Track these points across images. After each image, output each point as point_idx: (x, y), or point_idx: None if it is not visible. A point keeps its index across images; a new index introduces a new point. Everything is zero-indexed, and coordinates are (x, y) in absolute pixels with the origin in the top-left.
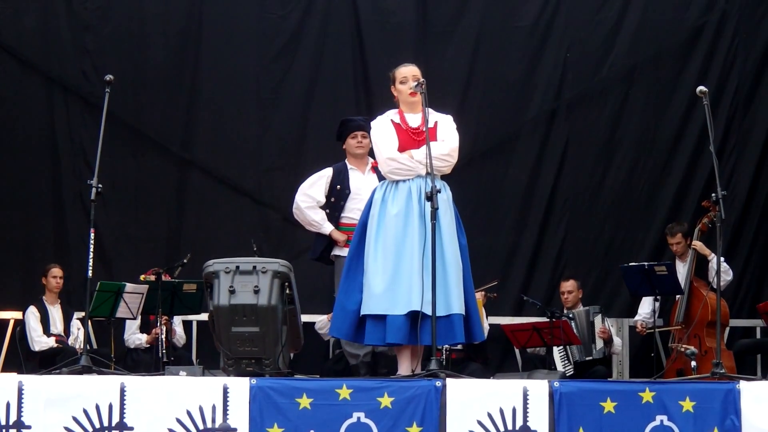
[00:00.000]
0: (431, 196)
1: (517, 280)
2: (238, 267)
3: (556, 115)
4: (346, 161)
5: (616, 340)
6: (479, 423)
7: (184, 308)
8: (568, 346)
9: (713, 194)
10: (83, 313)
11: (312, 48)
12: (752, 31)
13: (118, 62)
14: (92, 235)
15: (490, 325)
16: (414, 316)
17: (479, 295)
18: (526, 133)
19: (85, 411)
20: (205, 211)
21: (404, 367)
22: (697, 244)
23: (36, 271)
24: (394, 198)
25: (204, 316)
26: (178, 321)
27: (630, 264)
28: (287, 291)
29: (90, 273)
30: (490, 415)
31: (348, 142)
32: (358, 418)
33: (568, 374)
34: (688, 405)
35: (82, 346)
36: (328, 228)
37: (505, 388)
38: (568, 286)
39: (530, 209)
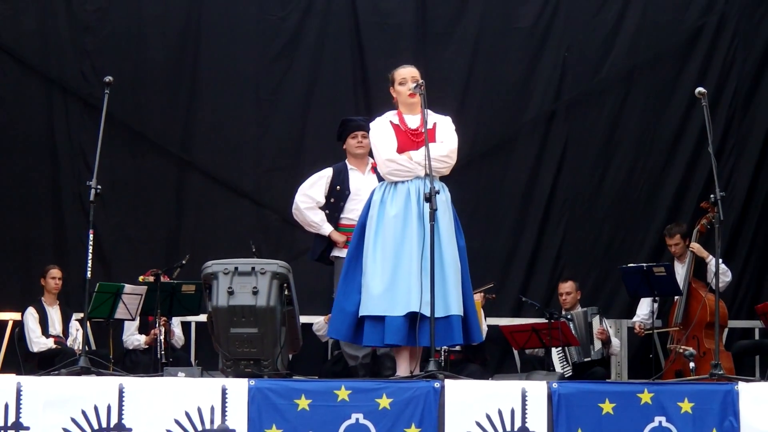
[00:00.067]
0: (430, 198)
1: (516, 281)
2: (236, 268)
3: (555, 116)
4: (346, 161)
5: (615, 341)
6: (478, 424)
7: (182, 309)
8: (566, 347)
9: (712, 195)
10: (82, 314)
11: (311, 49)
12: (751, 33)
13: (117, 63)
14: (91, 236)
15: (488, 326)
16: (413, 318)
17: (478, 297)
18: (525, 134)
19: (83, 412)
20: (204, 212)
21: (403, 369)
22: (695, 247)
23: (35, 272)
24: (393, 199)
25: (203, 317)
26: (176, 322)
27: (629, 265)
28: (286, 292)
29: (89, 274)
30: (488, 417)
31: (348, 142)
32: (357, 420)
33: (566, 375)
34: (686, 406)
35: (80, 347)
36: (327, 229)
37: (504, 389)
38: (567, 287)
39: (529, 210)
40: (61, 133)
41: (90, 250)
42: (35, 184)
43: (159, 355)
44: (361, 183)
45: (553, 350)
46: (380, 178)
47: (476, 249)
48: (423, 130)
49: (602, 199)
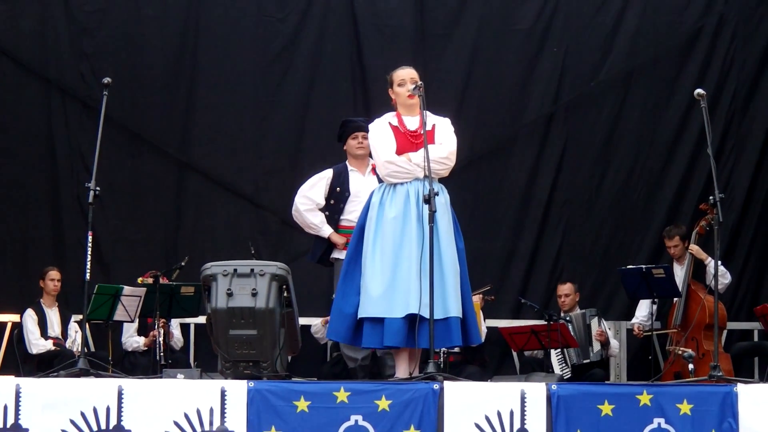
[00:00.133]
0: (429, 199)
1: (515, 283)
2: (235, 270)
3: (554, 118)
4: (346, 162)
5: (614, 343)
6: (477, 426)
7: (181, 311)
8: (565, 349)
9: (711, 197)
10: (81, 316)
11: (310, 51)
12: (750, 34)
13: (115, 65)
14: (90, 238)
15: (487, 327)
16: (412, 319)
17: (477, 298)
18: (524, 136)
19: (82, 414)
20: (203, 214)
21: (402, 370)
22: (694, 249)
23: (33, 273)
24: (392, 201)
25: (202, 319)
26: (175, 324)
27: (628, 267)
28: (285, 294)
29: (88, 276)
30: (487, 418)
31: (348, 143)
32: (356, 421)
33: (565, 377)
34: (685, 408)
35: (79, 349)
36: (327, 231)
37: (503, 391)
38: (565, 289)
39: (528, 212)
40: (60, 135)
41: (89, 252)
42: (34, 185)
43: (158, 357)
44: (361, 184)
45: (552, 352)
46: (380, 180)
47: (475, 251)
48: (422, 132)
49: (601, 200)
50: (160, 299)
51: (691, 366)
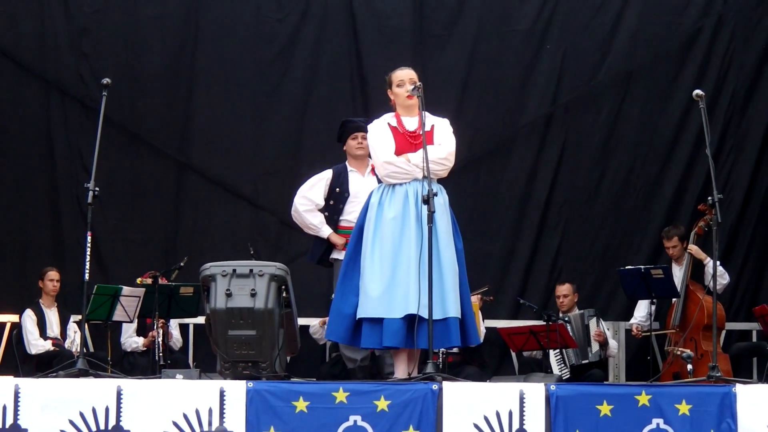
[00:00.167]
0: (428, 200)
1: (514, 284)
2: (234, 270)
3: (553, 118)
4: (346, 163)
5: (612, 343)
6: (476, 426)
7: (180, 311)
8: (564, 350)
9: (709, 198)
10: (80, 317)
11: (309, 51)
12: (749, 35)
13: (114, 65)
14: (89, 238)
15: (486, 328)
16: (411, 320)
17: (475, 299)
18: (523, 136)
19: (81, 414)
20: (202, 215)
21: (401, 371)
22: (693, 249)
23: (33, 274)
24: (391, 201)
25: (201, 320)
26: (174, 324)
27: (626, 267)
28: (284, 294)
29: (87, 276)
30: (486, 418)
31: (348, 143)
32: (355, 422)
33: (564, 377)
34: (684, 408)
35: (78, 350)
36: (326, 231)
37: (502, 391)
38: (564, 289)
39: (527, 213)
40: (59, 136)
41: (88, 252)
42: (33, 186)
43: (157, 357)
44: (360, 185)
45: (551, 352)
46: (380, 180)
47: (474, 251)
48: (421, 133)
49: (600, 201)
50: (159, 299)
51: (689, 366)
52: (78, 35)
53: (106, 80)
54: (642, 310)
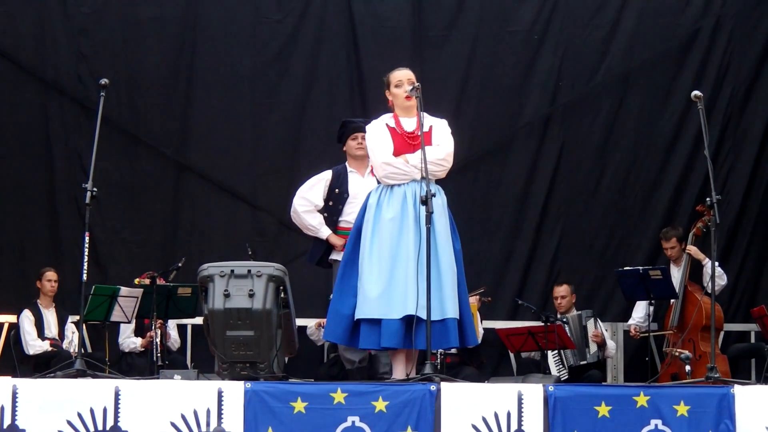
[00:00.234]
0: (426, 201)
1: (512, 284)
2: (233, 271)
3: (551, 120)
4: (346, 164)
5: (610, 344)
6: (474, 427)
7: (178, 312)
8: (562, 351)
9: (708, 199)
10: (78, 317)
11: (307, 53)
12: (747, 36)
13: (113, 66)
14: (87, 239)
15: (484, 329)
16: (409, 321)
17: (474, 300)
18: (521, 137)
19: (79, 415)
20: (200, 215)
21: (399, 371)
22: (692, 249)
23: (30, 274)
24: (389, 202)
25: (199, 320)
26: (172, 325)
27: (625, 268)
28: (282, 295)
29: (85, 277)
30: (484, 419)
31: (348, 144)
32: (353, 422)
33: (562, 378)
34: (682, 409)
35: (76, 350)
36: (325, 232)
37: (500, 392)
38: (561, 291)
39: (525, 214)
40: (57, 136)
41: (86, 253)
42: (31, 186)
43: (155, 358)
44: (360, 186)
45: (549, 353)
46: (379, 181)
47: (472, 252)
48: (419, 133)
49: (598, 202)
50: (157, 300)
51: (687, 367)
52: (76, 36)
53: (104, 81)
54: (640, 311)
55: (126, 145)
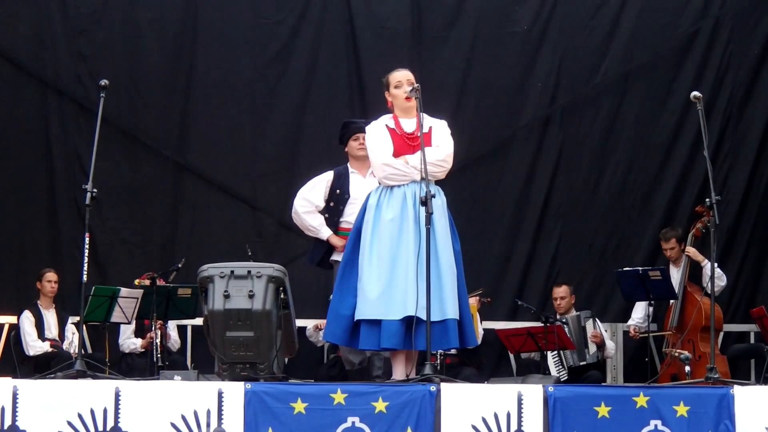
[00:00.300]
0: (426, 201)
1: (512, 285)
2: (232, 272)
3: (551, 120)
4: (348, 165)
5: (609, 344)
6: (474, 428)
7: (178, 313)
8: (562, 351)
9: (707, 199)
10: (78, 318)
11: (307, 53)
12: (746, 37)
13: (112, 67)
14: (87, 240)
15: (484, 329)
16: (409, 322)
17: (473, 300)
18: (521, 138)
19: (79, 415)
20: (200, 216)
21: (399, 372)
22: (691, 250)
23: (30, 275)
24: (389, 203)
25: (198, 321)
26: (172, 325)
27: (624, 269)
28: (282, 296)
29: (85, 277)
30: (484, 420)
31: (350, 145)
32: (353, 423)
33: (562, 379)
34: (682, 410)
35: (76, 351)
36: (325, 233)
37: (500, 393)
38: (561, 291)
39: (524, 214)
40: (57, 137)
41: (86, 254)
42: (31, 187)
43: (155, 359)
44: (361, 187)
45: (549, 354)
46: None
47: (472, 253)
48: (419, 134)
49: (598, 203)
50: (157, 301)
51: (687, 368)
52: (76, 37)
53: (104, 82)
54: (640, 311)
55: (126, 145)
